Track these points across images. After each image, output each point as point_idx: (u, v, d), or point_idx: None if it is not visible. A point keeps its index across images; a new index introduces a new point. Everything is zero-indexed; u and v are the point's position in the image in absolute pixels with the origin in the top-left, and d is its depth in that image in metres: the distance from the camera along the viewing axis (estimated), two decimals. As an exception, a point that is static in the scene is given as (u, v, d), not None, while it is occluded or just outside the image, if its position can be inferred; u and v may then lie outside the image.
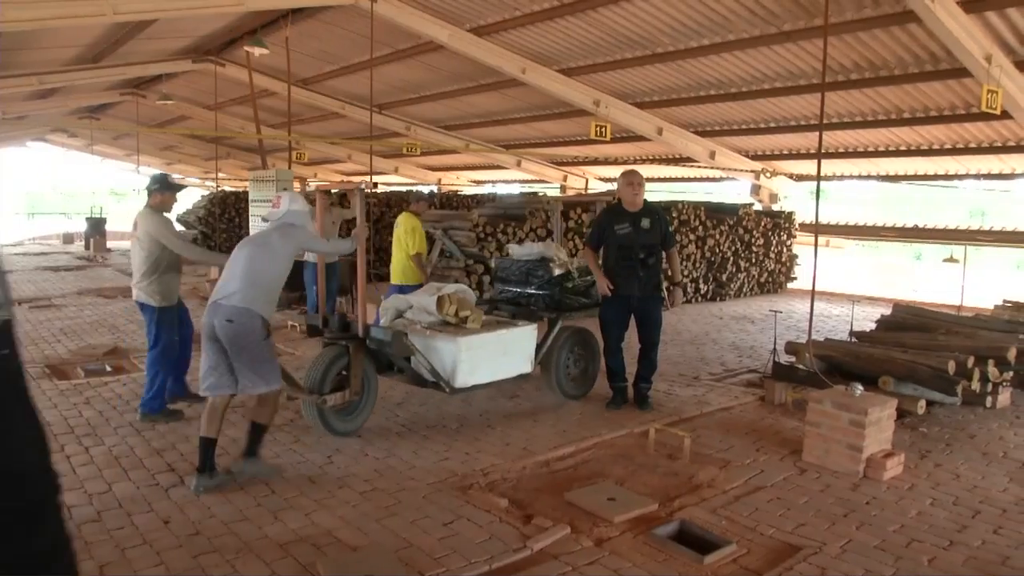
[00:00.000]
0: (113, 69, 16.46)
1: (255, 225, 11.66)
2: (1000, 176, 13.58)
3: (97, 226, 24.31)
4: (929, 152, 13.38)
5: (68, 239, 27.84)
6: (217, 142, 22.49)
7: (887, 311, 8.09)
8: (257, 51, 12.72)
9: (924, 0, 8.19)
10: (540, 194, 13.88)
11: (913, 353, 6.24)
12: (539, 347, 6.10)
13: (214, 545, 3.66)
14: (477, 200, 15.98)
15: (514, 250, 6.98)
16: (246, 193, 13.48)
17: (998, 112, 9.58)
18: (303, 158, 18.41)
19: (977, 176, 14.01)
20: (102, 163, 32.74)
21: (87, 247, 24.01)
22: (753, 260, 13.95)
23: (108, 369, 7.28)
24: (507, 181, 23.98)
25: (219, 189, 22.76)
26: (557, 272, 6.39)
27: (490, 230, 10.70)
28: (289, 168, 13.04)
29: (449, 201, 17.27)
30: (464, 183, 25.56)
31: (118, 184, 50.98)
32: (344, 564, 3.51)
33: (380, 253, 14.22)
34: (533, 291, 6.51)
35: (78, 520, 3.90)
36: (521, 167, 20.90)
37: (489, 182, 24.99)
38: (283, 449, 5.08)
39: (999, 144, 12.31)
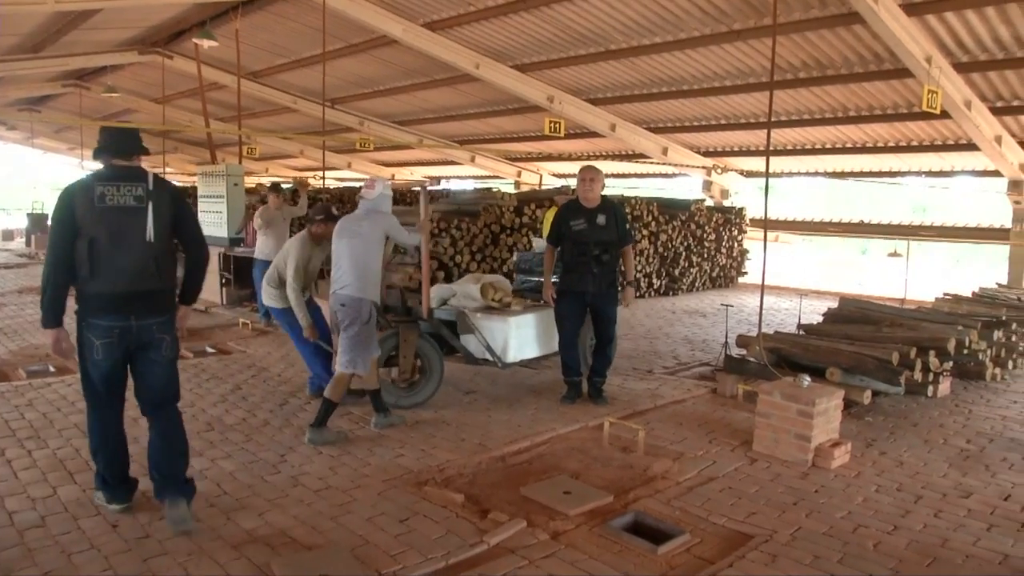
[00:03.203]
0: (55, 60, 16.06)
1: (204, 221, 11.48)
2: (940, 173, 13.99)
3: (38, 222, 23.63)
4: (873, 150, 13.74)
5: (8, 236, 27.02)
6: (165, 136, 22.09)
7: (834, 304, 8.27)
8: (206, 43, 12.49)
9: (868, 2, 8.40)
10: (494, 190, 13.86)
11: (859, 345, 6.40)
12: None
13: (165, 548, 3.59)
14: (431, 196, 15.89)
15: (536, 243, 7.75)
16: (195, 188, 13.24)
17: (938, 112, 9.87)
18: (254, 153, 18.14)
19: (919, 173, 14.42)
20: (44, 157, 31.86)
21: (28, 244, 23.34)
22: (705, 255, 14.14)
23: (51, 370, 7.08)
24: (461, 177, 23.96)
25: (167, 184, 22.27)
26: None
27: (444, 226, 10.66)
28: (239, 163, 12.84)
29: (403, 197, 17.14)
30: (418, 179, 25.45)
31: (61, 179, 49.61)
32: (299, 563, 3.47)
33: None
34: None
35: (21, 526, 3.79)
36: (475, 163, 20.91)
37: (443, 178, 24.91)
38: (235, 448, 5.00)
39: (939, 142, 12.68)
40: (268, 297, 6.25)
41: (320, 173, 18.54)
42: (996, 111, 11.06)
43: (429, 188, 6.14)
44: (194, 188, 13.35)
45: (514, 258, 8.66)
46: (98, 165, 3.87)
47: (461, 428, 5.55)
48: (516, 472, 4.70)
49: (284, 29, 13.80)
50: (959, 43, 9.62)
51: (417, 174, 25.44)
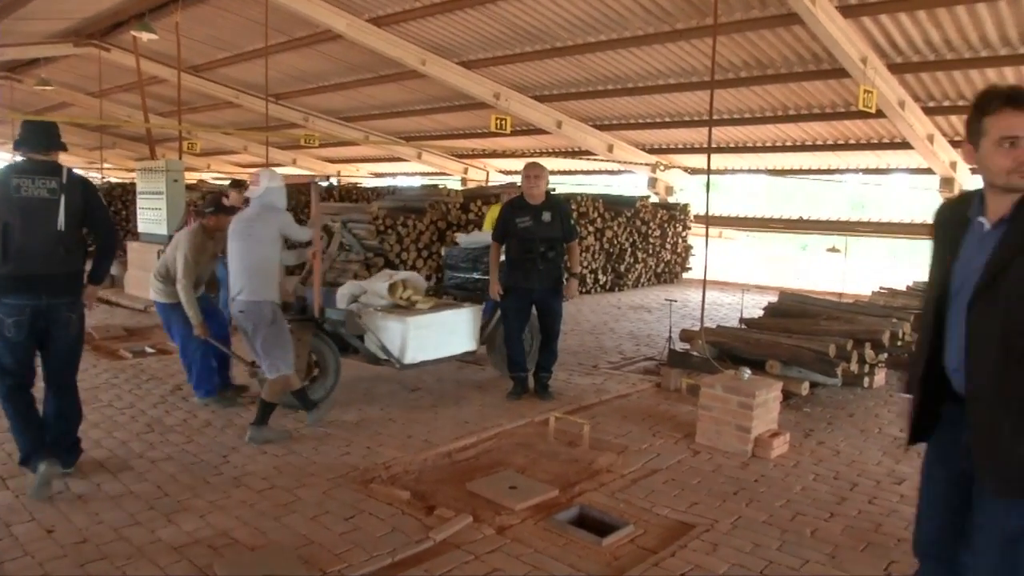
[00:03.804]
0: (-16, 51, 15.51)
1: (143, 218, 11.22)
2: (877, 171, 14.39)
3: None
4: (813, 148, 14.07)
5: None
6: (102, 131, 21.50)
7: (774, 299, 8.46)
8: (145, 36, 12.20)
9: (806, 3, 8.60)
10: (440, 187, 13.84)
11: (798, 338, 6.56)
12: (485, 327, 6.57)
13: (103, 552, 3.51)
14: (377, 193, 15.79)
15: (461, 238, 7.50)
16: (134, 184, 12.92)
17: (873, 111, 10.16)
18: (195, 148, 17.77)
19: (856, 171, 14.82)
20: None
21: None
22: (650, 251, 14.31)
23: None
24: (408, 173, 23.82)
25: (104, 180, 21.72)
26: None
27: (390, 223, 10.61)
28: (180, 159, 12.57)
29: (348, 194, 16.99)
30: (364, 175, 25.24)
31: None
32: (242, 565, 3.43)
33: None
34: (479, 276, 6.86)
35: (-49, 531, 3.68)
36: (422, 159, 20.81)
37: (390, 174, 24.76)
38: (175, 450, 4.91)
39: (875, 141, 13.05)
40: (154, 291, 5.91)
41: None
42: (928, 111, 11.43)
43: (320, 183, 5.96)
44: (133, 185, 13.05)
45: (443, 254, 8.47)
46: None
47: (407, 425, 5.54)
48: (462, 468, 4.71)
49: (225, 22, 13.55)
50: (893, 45, 9.91)
51: (363, 171, 25.23)
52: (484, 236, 7.05)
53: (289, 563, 3.44)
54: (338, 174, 24.91)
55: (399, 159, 21.97)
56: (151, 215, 11.01)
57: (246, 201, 5.45)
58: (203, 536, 3.70)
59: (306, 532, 3.76)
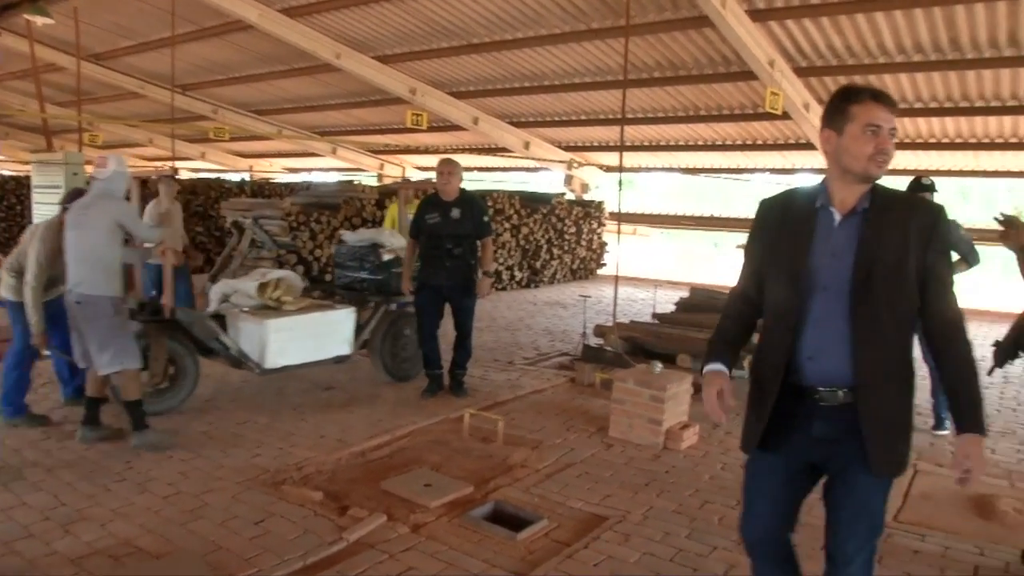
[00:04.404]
0: None
1: (39, 214, 10.69)
2: (783, 171, 14.90)
3: None
4: (723, 147, 14.47)
5: None
6: (-7, 121, 20.39)
7: (686, 294, 8.67)
8: (40, 20, 11.59)
9: (716, 7, 8.82)
10: (356, 183, 13.65)
11: (707, 332, 6.72)
12: (362, 330, 6.30)
13: (-8, 566, 3.34)
14: (291, 188, 15.48)
15: (347, 236, 7.18)
16: (28, 178, 12.31)
17: (780, 113, 10.52)
18: (97, 140, 17.04)
19: (764, 170, 15.31)
20: None
21: None
22: (566, 248, 14.46)
23: None
24: (323, 169, 23.41)
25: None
26: (387, 258, 6.50)
27: (303, 219, 10.42)
28: (80, 151, 12.03)
29: (261, 189, 16.61)
30: (277, 170, 24.69)
31: None
32: (146, 574, 3.32)
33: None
34: (366, 276, 6.67)
35: None
36: (337, 155, 20.49)
37: (304, 170, 24.28)
38: (75, 456, 4.69)
39: (782, 142, 13.51)
40: (4, 288, 5.31)
41: (170, 163, 17.65)
42: (896, 111, 11.83)
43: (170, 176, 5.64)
44: (27, 178, 12.43)
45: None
46: None
47: (320, 425, 5.45)
48: (376, 467, 4.67)
49: (129, 9, 13.03)
50: (798, 49, 10.28)
51: (276, 166, 24.67)
52: (371, 234, 6.90)
53: (196, 570, 3.34)
54: (250, 169, 24.28)
55: (314, 154, 21.60)
56: (48, 210, 10.51)
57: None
58: (103, 546, 3.56)
59: (214, 538, 3.66)
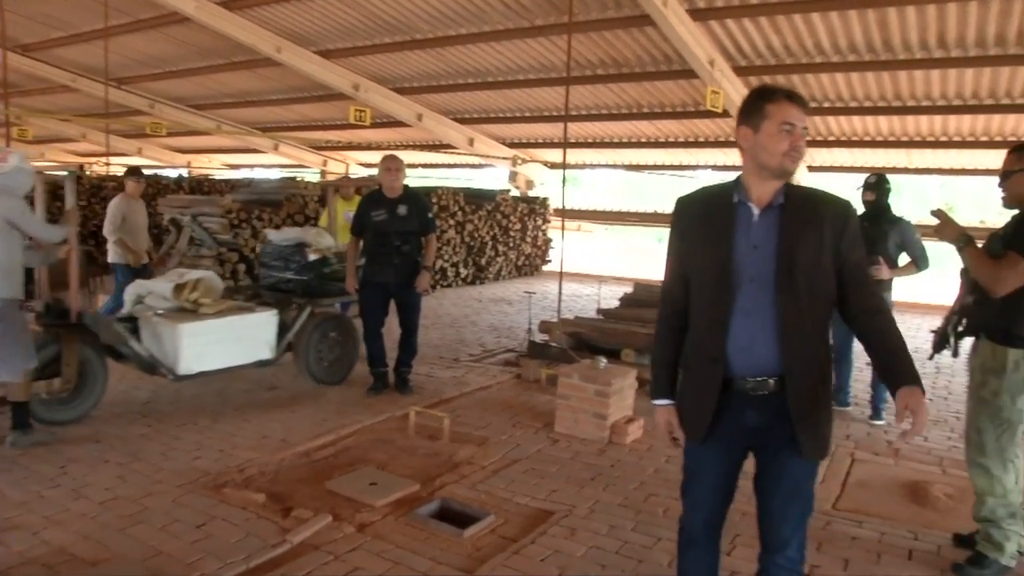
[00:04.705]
0: None
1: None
2: (725, 168, 15.14)
3: None
4: (666, 144, 14.65)
5: None
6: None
7: (630, 290, 8.75)
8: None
9: (657, 6, 8.91)
10: (298, 179, 13.45)
11: (651, 327, 6.80)
12: (286, 332, 6.06)
13: (-84, 579, 3.22)
14: (231, 185, 15.17)
15: (272, 235, 6.96)
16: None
17: (720, 111, 10.68)
18: (27, 135, 16.47)
19: (706, 167, 15.54)
20: None
21: None
22: (511, 244, 14.48)
23: None
24: (265, 165, 23.03)
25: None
26: (313, 257, 6.35)
27: (245, 216, 10.23)
28: (8, 146, 11.61)
29: (200, 186, 16.23)
30: (217, 167, 24.19)
31: None
32: (81, 579, 3.23)
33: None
34: (291, 276, 6.47)
35: None
36: (279, 151, 20.16)
37: (245, 166, 23.84)
38: (6, 462, 4.53)
39: (723, 139, 13.73)
40: None
41: (104, 159, 17.15)
42: (808, 111, 12.07)
43: (77, 172, 5.42)
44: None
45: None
46: None
47: (263, 425, 5.37)
48: (321, 467, 4.62)
49: None
50: (738, 48, 10.45)
51: (216, 162, 24.18)
52: (296, 233, 6.73)
53: None
54: (188, 165, 23.73)
55: (255, 150, 21.21)
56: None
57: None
58: (37, 555, 3.45)
59: (154, 543, 3.58)
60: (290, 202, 10.80)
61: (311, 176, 19.73)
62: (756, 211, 2.38)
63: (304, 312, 6.22)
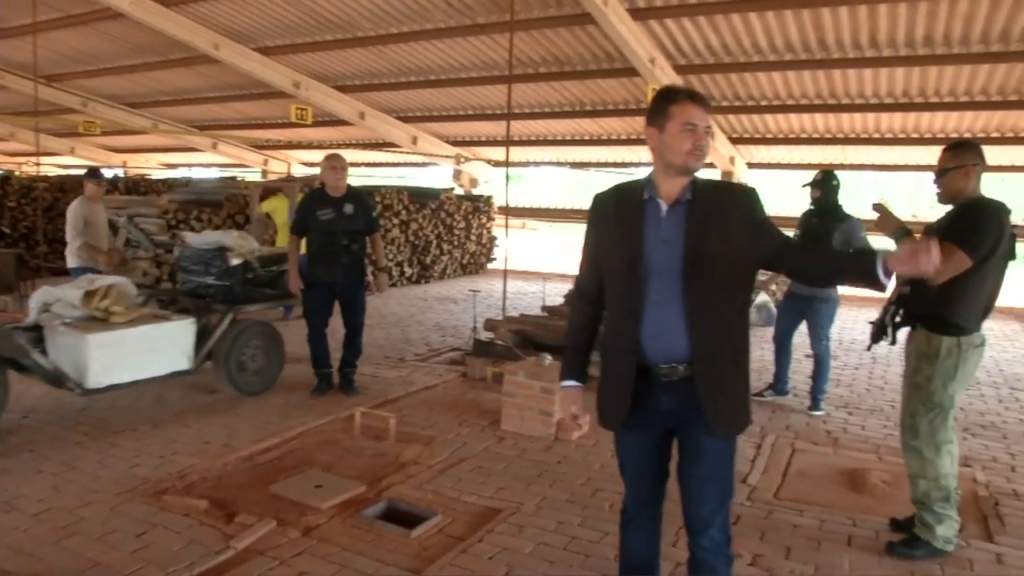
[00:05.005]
0: None
1: None
2: (666, 165, 15.33)
3: None
4: (608, 142, 14.78)
5: None
6: None
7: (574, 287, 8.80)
8: None
9: (598, 5, 8.98)
10: (239, 179, 13.23)
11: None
12: (205, 341, 5.79)
13: None
14: (168, 185, 14.84)
15: (190, 239, 6.61)
16: None
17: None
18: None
19: (648, 164, 15.59)
20: None
21: None
22: (455, 243, 14.46)
23: None
24: (204, 165, 22.56)
25: None
26: (234, 262, 6.05)
27: (183, 217, 10.01)
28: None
29: (136, 186, 15.83)
30: (154, 166, 23.61)
31: None
32: (13, 593, 3.13)
33: (55, 244, 12.64)
34: (212, 282, 6.16)
35: None
36: (218, 150, 19.77)
37: (184, 165, 23.32)
38: (-68, 473, 4.38)
39: (672, 136, 13.86)
40: None
41: (35, 159, 16.59)
42: (710, 110, 12.29)
43: None
44: None
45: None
46: None
47: (204, 430, 5.26)
48: (265, 470, 4.55)
49: (-17, -6, 12.17)
50: (677, 47, 10.59)
51: (152, 161, 23.60)
52: (217, 236, 6.43)
53: (70, 587, 3.17)
54: (124, 165, 23.11)
55: (193, 149, 20.76)
56: None
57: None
58: (-35, 569, 3.33)
59: (91, 554, 3.48)
60: (230, 202, 10.62)
61: (252, 175, 19.41)
62: (664, 207, 2.50)
63: (225, 319, 5.92)
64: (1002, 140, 11.53)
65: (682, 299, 2.43)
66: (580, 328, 2.77)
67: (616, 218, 2.57)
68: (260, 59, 12.97)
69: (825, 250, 2.45)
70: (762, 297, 10.01)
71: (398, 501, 4.09)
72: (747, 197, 2.51)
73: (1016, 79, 9.79)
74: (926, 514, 3.62)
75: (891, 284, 2.33)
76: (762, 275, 9.81)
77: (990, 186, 3.70)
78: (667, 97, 2.49)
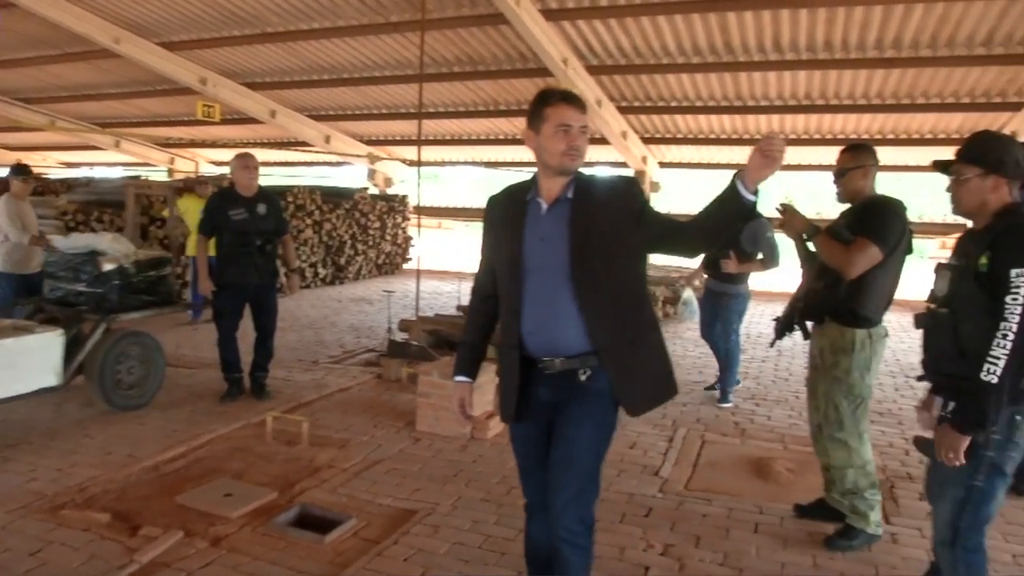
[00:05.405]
0: None
1: None
2: (587, 163, 15.50)
3: None
4: (523, 142, 14.78)
5: None
6: None
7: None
8: None
9: (511, 5, 9.03)
10: (143, 178, 12.77)
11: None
12: (76, 353, 5.41)
13: None
14: (68, 185, 14.19)
15: (58, 242, 6.19)
16: None
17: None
18: None
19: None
20: None
21: None
22: (370, 243, 14.31)
23: None
24: (108, 164, 21.66)
25: None
26: (107, 267, 5.66)
27: (82, 218, 9.61)
28: None
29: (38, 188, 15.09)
30: (52, 165, 22.55)
31: None
32: None
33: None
34: (83, 289, 5.76)
35: None
36: (121, 148, 19.02)
37: (86, 164, 22.34)
38: None
39: (586, 135, 14.03)
40: None
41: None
42: (622, 110, 12.55)
43: None
44: None
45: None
46: None
47: (107, 440, 5.05)
48: (172, 481, 4.40)
49: None
50: (590, 48, 10.73)
51: (50, 159, 22.54)
52: (88, 240, 6.08)
53: (-43, 611, 3.00)
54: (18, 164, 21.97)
55: (95, 148, 19.91)
56: None
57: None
58: None
59: (-20, 575, 3.30)
60: (134, 202, 10.23)
61: (158, 175, 18.77)
62: (544, 206, 2.56)
63: (98, 330, 5.54)
64: (896, 141, 12.13)
65: (572, 295, 2.48)
66: (475, 326, 2.84)
67: (503, 218, 2.66)
68: (164, 54, 12.53)
69: (699, 213, 2.47)
70: (687, 293, 10.29)
71: (311, 507, 4.02)
72: (626, 187, 2.58)
73: (908, 84, 10.30)
74: (858, 503, 3.73)
75: (754, 199, 2.30)
76: (685, 271, 10.08)
77: (888, 185, 3.88)
78: (542, 100, 2.53)
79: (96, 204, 10.08)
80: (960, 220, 2.90)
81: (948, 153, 2.82)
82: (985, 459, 2.58)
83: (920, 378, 2.91)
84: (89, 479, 4.36)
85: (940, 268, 2.78)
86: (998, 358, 2.45)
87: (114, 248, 5.83)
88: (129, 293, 5.82)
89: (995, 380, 2.46)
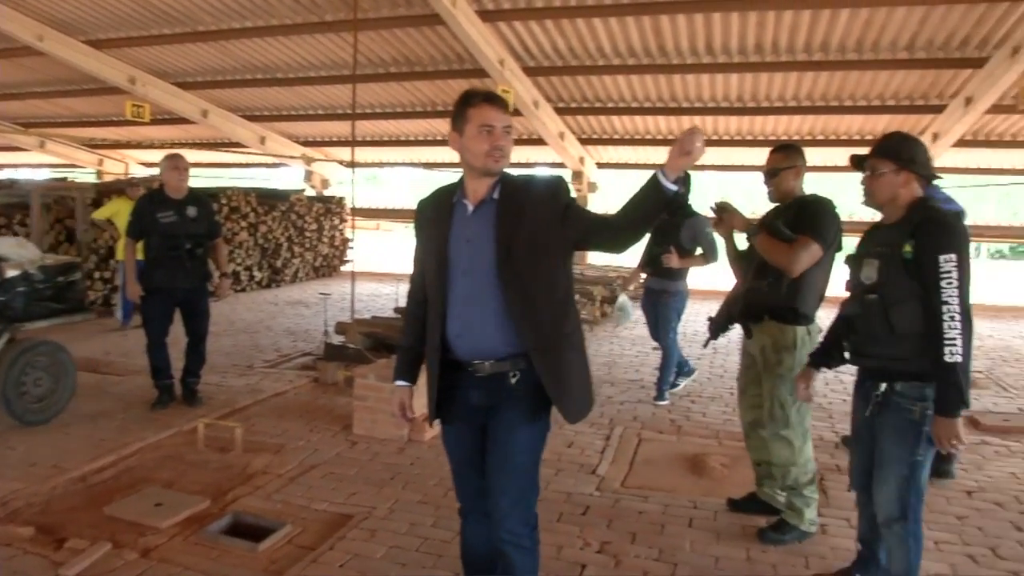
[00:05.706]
0: None
1: None
2: (521, 164, 15.56)
3: None
4: (461, 142, 14.80)
5: None
6: None
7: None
8: None
9: (447, 6, 9.02)
10: (69, 180, 12.36)
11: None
12: None
13: None
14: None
15: None
16: None
17: (511, 110, 10.95)
18: None
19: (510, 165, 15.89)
20: None
21: None
22: (307, 245, 14.11)
23: None
24: (32, 165, 20.91)
25: None
26: (10, 274, 5.38)
27: (4, 222, 9.27)
28: None
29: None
30: None
31: None
32: None
33: None
34: None
35: None
36: (46, 149, 18.38)
37: (8, 166, 21.53)
38: None
39: (516, 137, 14.04)
40: None
41: None
42: (559, 111, 12.65)
43: None
44: None
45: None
46: None
47: (31, 451, 4.88)
48: (100, 491, 4.28)
49: None
50: (526, 49, 10.80)
51: (-30, 161, 21.67)
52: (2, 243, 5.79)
53: None
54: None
55: (18, 148, 19.20)
56: None
57: None
58: None
59: None
60: (59, 205, 9.92)
61: (86, 176, 18.20)
62: (470, 208, 2.56)
63: (1, 340, 5.32)
64: (824, 142, 12.49)
65: (499, 296, 2.48)
66: (412, 329, 2.80)
67: (431, 221, 2.65)
68: (91, 52, 12.17)
69: (623, 206, 2.48)
70: (621, 298, 10.35)
71: (244, 514, 3.95)
72: (551, 186, 2.57)
73: (835, 86, 10.63)
74: (796, 499, 3.80)
75: (675, 188, 2.30)
76: (619, 276, 10.18)
77: (813, 185, 3.99)
78: (464, 100, 2.52)
79: (18, 207, 9.72)
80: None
81: None
82: (923, 433, 2.79)
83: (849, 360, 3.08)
84: (12, 492, 4.20)
85: (863, 257, 2.93)
86: (954, 339, 2.62)
87: (18, 253, 5.57)
88: (35, 300, 5.54)
89: (959, 359, 2.62)
